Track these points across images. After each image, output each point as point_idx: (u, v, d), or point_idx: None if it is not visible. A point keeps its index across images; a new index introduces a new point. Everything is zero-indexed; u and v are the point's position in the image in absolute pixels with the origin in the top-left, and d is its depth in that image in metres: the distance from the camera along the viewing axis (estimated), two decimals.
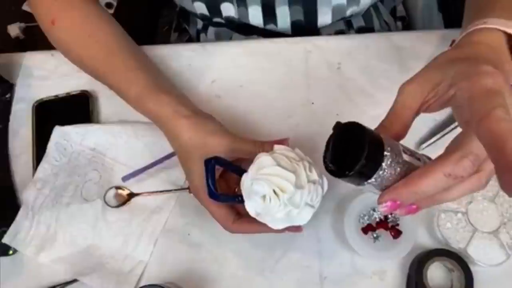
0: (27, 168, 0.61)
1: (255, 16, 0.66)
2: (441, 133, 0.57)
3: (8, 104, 0.65)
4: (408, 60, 0.62)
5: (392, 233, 0.52)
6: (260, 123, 0.61)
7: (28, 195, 0.58)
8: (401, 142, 0.37)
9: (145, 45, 0.65)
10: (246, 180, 0.47)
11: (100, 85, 0.58)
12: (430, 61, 0.40)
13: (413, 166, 0.35)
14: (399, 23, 0.81)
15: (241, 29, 0.72)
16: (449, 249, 0.51)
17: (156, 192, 0.58)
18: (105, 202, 0.58)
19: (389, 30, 0.78)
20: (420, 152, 0.53)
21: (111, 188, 0.59)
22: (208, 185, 0.47)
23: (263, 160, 0.46)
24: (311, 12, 0.66)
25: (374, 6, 0.74)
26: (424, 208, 0.36)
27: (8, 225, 0.56)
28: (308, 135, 0.59)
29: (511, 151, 0.27)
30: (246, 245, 0.55)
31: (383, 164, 0.33)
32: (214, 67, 0.64)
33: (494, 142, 0.28)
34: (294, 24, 0.68)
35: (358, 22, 0.73)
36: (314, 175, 0.46)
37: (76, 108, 0.63)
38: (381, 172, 0.34)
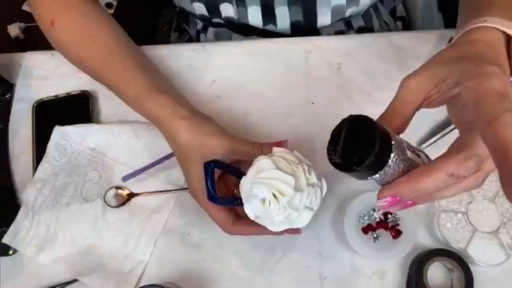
0: (27, 168, 0.61)
1: (254, 16, 0.66)
2: (441, 133, 0.57)
3: (8, 104, 0.65)
4: (408, 60, 0.62)
5: (392, 233, 0.52)
6: (260, 123, 0.61)
7: (28, 195, 0.58)
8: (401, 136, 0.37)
9: (145, 45, 0.65)
10: (245, 184, 0.47)
11: (100, 85, 0.58)
12: (432, 57, 0.39)
13: (414, 163, 0.36)
14: (399, 23, 0.81)
15: (240, 29, 0.72)
16: (449, 249, 0.51)
17: (156, 192, 0.58)
18: (105, 202, 0.58)
19: (389, 30, 0.78)
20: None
21: (111, 188, 0.59)
22: (207, 188, 0.46)
23: (262, 163, 0.46)
24: (310, 12, 0.66)
25: (373, 6, 0.74)
26: (420, 204, 0.37)
27: (8, 225, 0.56)
28: (308, 135, 0.59)
29: None
30: (247, 245, 0.55)
31: (390, 160, 0.33)
32: (214, 67, 0.64)
33: (500, 147, 0.29)
34: (293, 24, 0.68)
35: (358, 23, 0.73)
36: (313, 178, 0.46)
37: (76, 108, 0.63)
38: (386, 169, 0.34)
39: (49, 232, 0.57)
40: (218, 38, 0.75)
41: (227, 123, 0.54)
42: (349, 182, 0.56)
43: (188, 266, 0.55)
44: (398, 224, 0.53)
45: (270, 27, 0.68)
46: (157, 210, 0.57)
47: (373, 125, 0.33)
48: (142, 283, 0.54)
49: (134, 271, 0.55)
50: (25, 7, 1.60)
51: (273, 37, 0.67)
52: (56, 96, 0.64)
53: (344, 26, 0.73)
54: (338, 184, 0.57)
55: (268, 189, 0.44)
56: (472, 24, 0.42)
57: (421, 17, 0.83)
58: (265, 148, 0.50)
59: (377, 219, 0.53)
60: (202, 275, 0.54)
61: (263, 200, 0.45)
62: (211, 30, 0.76)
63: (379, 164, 0.33)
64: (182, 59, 0.65)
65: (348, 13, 0.67)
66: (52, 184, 0.59)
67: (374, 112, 0.62)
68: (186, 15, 0.81)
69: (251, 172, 0.46)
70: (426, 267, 0.50)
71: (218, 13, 0.67)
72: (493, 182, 0.54)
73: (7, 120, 0.64)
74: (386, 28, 0.77)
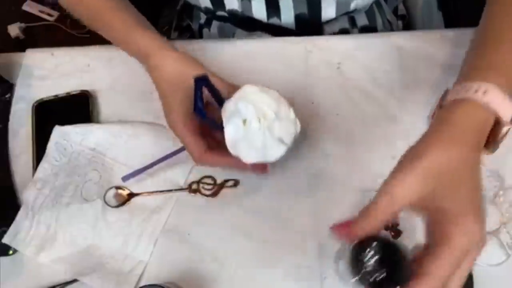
0: (27, 168, 0.61)
1: (258, 9, 0.67)
2: None
3: (8, 104, 0.65)
4: (408, 60, 0.62)
5: (392, 233, 0.52)
6: None
7: (28, 195, 0.58)
8: None
9: None
10: (229, 104, 0.48)
11: (100, 85, 0.58)
12: (417, 159, 0.39)
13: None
14: (399, 22, 0.81)
15: (244, 23, 0.72)
16: None
17: (156, 192, 0.58)
18: (105, 202, 0.58)
19: (392, 29, 0.78)
20: None
21: (111, 188, 0.59)
22: (195, 101, 0.49)
23: (248, 87, 0.48)
24: (314, 3, 0.66)
25: (377, 3, 0.74)
26: None
27: (8, 225, 0.56)
28: (308, 134, 0.59)
29: None
30: (247, 245, 0.55)
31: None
32: (214, 67, 0.64)
33: None
34: (297, 17, 0.68)
35: (362, 21, 0.73)
36: (292, 114, 0.49)
37: (76, 108, 0.63)
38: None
39: (49, 232, 0.57)
40: (221, 32, 0.75)
41: None
42: (349, 182, 0.56)
43: (188, 266, 0.55)
44: (398, 224, 0.53)
45: (274, 20, 0.68)
46: (157, 210, 0.57)
47: (400, 253, 0.38)
48: (142, 283, 0.54)
49: (134, 271, 0.55)
50: (25, 7, 1.60)
51: (277, 32, 0.67)
52: (56, 96, 0.64)
53: (348, 23, 0.73)
54: (338, 183, 0.57)
55: (252, 107, 0.46)
56: (468, 91, 0.42)
57: (421, 15, 0.83)
58: (237, 88, 0.52)
59: None
60: (202, 275, 0.54)
61: (245, 121, 0.46)
62: (214, 24, 0.76)
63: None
64: None
65: (352, 5, 0.66)
66: (52, 184, 0.59)
67: (373, 112, 0.62)
68: (190, 9, 0.81)
69: (236, 95, 0.48)
70: None
71: (222, 6, 0.67)
72: (493, 182, 0.54)
73: (7, 120, 0.64)
74: (389, 27, 0.77)
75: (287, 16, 0.67)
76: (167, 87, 0.54)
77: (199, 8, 0.71)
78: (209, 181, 0.58)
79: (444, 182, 0.38)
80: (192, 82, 0.50)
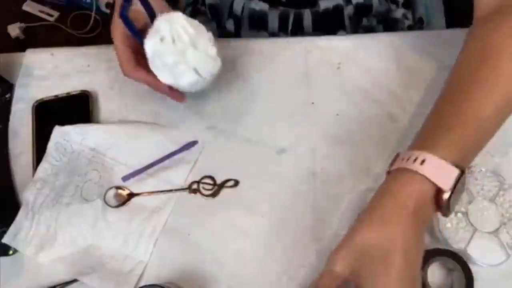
0: (27, 168, 0.61)
1: None
2: None
3: (8, 104, 0.65)
4: (408, 60, 0.62)
5: None
6: (260, 123, 0.61)
7: (28, 195, 0.58)
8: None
9: None
10: (155, 23, 0.52)
11: (100, 85, 0.58)
12: (351, 235, 0.42)
13: None
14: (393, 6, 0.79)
15: None
16: (449, 249, 0.51)
17: (156, 192, 0.58)
18: (105, 202, 0.58)
19: (389, 8, 0.77)
20: None
21: (111, 188, 0.59)
22: (122, 8, 0.51)
23: (176, 13, 0.51)
24: None
25: None
26: None
27: (8, 225, 0.56)
28: (308, 135, 0.59)
29: None
30: (246, 245, 0.55)
31: None
32: None
33: None
34: None
35: None
36: (213, 51, 0.52)
37: (76, 108, 0.63)
38: None
39: (49, 232, 0.57)
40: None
41: (227, 122, 0.54)
42: (349, 182, 0.56)
43: (188, 266, 0.55)
44: None
45: None
46: (157, 210, 0.57)
47: None
48: (142, 283, 0.54)
49: (134, 271, 0.55)
50: (25, 7, 1.60)
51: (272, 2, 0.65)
52: (56, 96, 0.64)
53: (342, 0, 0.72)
54: (338, 183, 0.57)
55: (170, 27, 0.50)
56: (408, 161, 0.42)
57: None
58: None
59: None
60: (202, 275, 0.54)
61: (162, 39, 0.50)
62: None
63: None
64: None
65: None
66: (52, 184, 0.59)
67: (373, 112, 0.62)
68: None
69: (164, 15, 0.51)
70: (426, 267, 0.50)
71: None
72: (493, 182, 0.54)
73: (7, 120, 0.64)
74: (387, 6, 0.76)
75: None
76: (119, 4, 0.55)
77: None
78: (209, 181, 0.58)
79: (368, 262, 0.40)
80: None
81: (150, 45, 0.52)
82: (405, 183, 0.42)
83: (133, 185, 0.59)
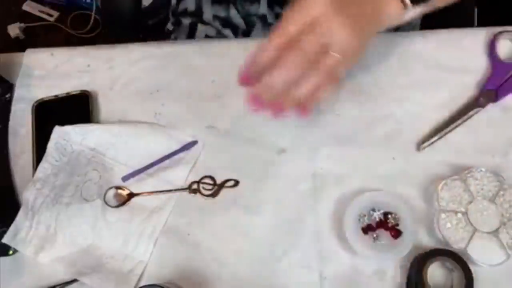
0: (27, 168, 0.61)
1: None
2: (441, 133, 0.57)
3: (8, 104, 0.65)
4: (408, 60, 0.62)
5: (392, 233, 0.52)
6: (260, 123, 0.61)
7: (28, 195, 0.58)
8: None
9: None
10: None
11: (100, 85, 0.58)
12: None
13: None
14: None
15: None
16: (449, 249, 0.51)
17: (156, 192, 0.58)
18: (105, 202, 0.58)
19: None
20: (420, 151, 0.53)
21: (111, 188, 0.59)
22: None
23: None
24: None
25: None
26: (288, 107, 0.45)
27: (8, 225, 0.56)
28: (308, 135, 0.59)
29: None
30: (246, 245, 0.55)
31: None
32: (214, 67, 0.64)
33: None
34: None
35: None
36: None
37: (76, 108, 0.63)
38: None
39: (49, 232, 0.57)
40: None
41: (227, 123, 0.54)
42: (349, 183, 0.56)
43: (188, 266, 0.55)
44: (398, 224, 0.53)
45: None
46: (157, 210, 0.57)
47: None
48: (142, 283, 0.54)
49: (134, 271, 0.55)
50: (25, 7, 1.60)
51: None
52: (56, 96, 0.64)
53: None
54: (338, 184, 0.57)
55: None
56: None
57: None
58: None
59: (377, 219, 0.53)
60: (202, 275, 0.54)
61: None
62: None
63: None
64: (182, 58, 0.65)
65: None
66: (52, 184, 0.59)
67: (373, 112, 0.62)
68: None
69: None
70: (426, 267, 0.50)
71: None
72: (493, 182, 0.54)
73: (7, 120, 0.64)
74: None
75: None
76: None
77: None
78: (209, 181, 0.58)
79: None
80: None
81: None
82: None
83: (133, 185, 0.58)
